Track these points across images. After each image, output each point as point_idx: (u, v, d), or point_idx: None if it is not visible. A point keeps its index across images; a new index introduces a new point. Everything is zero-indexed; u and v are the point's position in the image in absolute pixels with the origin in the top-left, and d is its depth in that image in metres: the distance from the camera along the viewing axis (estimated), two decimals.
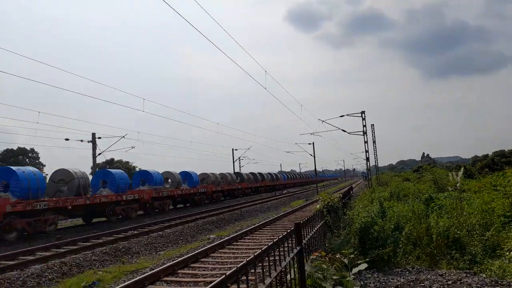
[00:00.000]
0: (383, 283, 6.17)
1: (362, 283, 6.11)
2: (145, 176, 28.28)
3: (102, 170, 27.26)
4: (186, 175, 33.91)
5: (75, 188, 21.06)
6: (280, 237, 3.51)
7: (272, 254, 3.22)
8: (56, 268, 10.42)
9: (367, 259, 5.69)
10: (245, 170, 59.48)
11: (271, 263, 3.16)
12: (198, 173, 36.41)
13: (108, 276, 9.60)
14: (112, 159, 68.13)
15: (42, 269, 10.15)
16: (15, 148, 69.55)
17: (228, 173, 43.83)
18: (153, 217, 24.11)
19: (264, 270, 2.97)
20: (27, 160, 73.10)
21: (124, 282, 8.11)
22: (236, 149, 61.22)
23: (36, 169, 19.75)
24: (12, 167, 18.61)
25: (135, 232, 16.35)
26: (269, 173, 59.66)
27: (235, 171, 55.27)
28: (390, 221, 8.03)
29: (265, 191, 53.76)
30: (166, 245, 14.60)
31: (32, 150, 71.96)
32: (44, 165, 74.08)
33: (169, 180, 31.37)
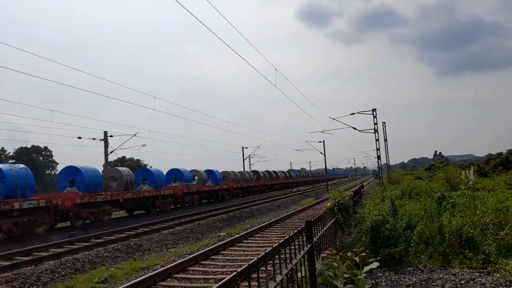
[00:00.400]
0: (395, 282, 6.12)
1: (373, 281, 6.07)
2: (176, 174, 31.34)
3: (142, 169, 30.61)
4: (210, 173, 36.89)
5: (124, 184, 23.92)
6: (290, 235, 3.50)
7: (283, 251, 3.22)
8: (69, 264, 10.58)
9: (378, 258, 5.64)
10: (255, 168, 60.00)
11: (281, 261, 3.16)
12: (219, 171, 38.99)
13: (120, 273, 9.71)
14: (124, 157, 68.88)
15: (55, 265, 10.30)
16: (29, 146, 70.83)
17: (246, 171, 45.36)
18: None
19: (275, 268, 2.97)
20: (41, 158, 74.37)
21: (136, 279, 8.20)
22: (246, 147, 61.47)
23: (95, 168, 22.61)
24: (76, 165, 21.61)
25: (146, 229, 16.52)
26: (282, 171, 60.87)
27: (246, 169, 55.58)
28: (402, 220, 7.94)
29: (279, 188, 54.75)
30: (177, 242, 14.71)
31: (46, 148, 73.21)
32: (58, 163, 75.37)
33: (196, 178, 33.77)
